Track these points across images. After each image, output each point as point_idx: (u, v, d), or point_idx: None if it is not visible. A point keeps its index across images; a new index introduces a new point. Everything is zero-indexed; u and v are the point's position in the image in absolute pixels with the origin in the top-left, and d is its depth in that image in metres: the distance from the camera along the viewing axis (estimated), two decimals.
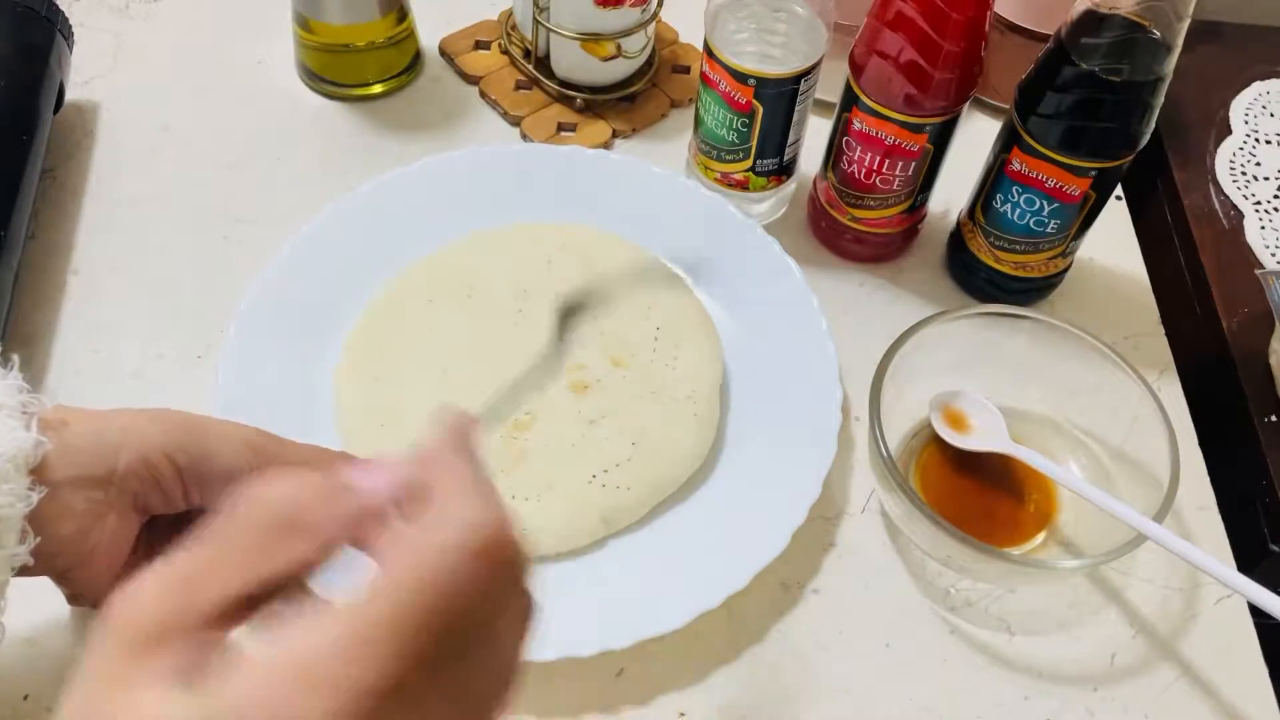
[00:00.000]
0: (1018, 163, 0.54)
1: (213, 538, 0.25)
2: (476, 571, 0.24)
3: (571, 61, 0.67)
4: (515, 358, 0.54)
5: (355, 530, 0.26)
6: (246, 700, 0.22)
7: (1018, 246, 0.58)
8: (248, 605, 0.25)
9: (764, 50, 0.56)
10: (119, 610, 0.24)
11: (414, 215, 0.60)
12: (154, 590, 0.24)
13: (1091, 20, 0.49)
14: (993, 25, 0.53)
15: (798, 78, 0.55)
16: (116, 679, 0.23)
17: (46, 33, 0.61)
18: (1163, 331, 0.62)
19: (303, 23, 0.66)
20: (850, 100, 0.56)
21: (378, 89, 0.68)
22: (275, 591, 0.25)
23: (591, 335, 0.55)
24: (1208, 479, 0.57)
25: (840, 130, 0.58)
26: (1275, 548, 0.57)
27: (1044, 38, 0.55)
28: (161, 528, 0.39)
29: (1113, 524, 0.49)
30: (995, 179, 0.57)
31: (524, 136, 0.68)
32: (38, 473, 0.35)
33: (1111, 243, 0.65)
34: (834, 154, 0.59)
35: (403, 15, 0.67)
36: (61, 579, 0.38)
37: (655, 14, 0.66)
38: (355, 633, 0.23)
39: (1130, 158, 0.53)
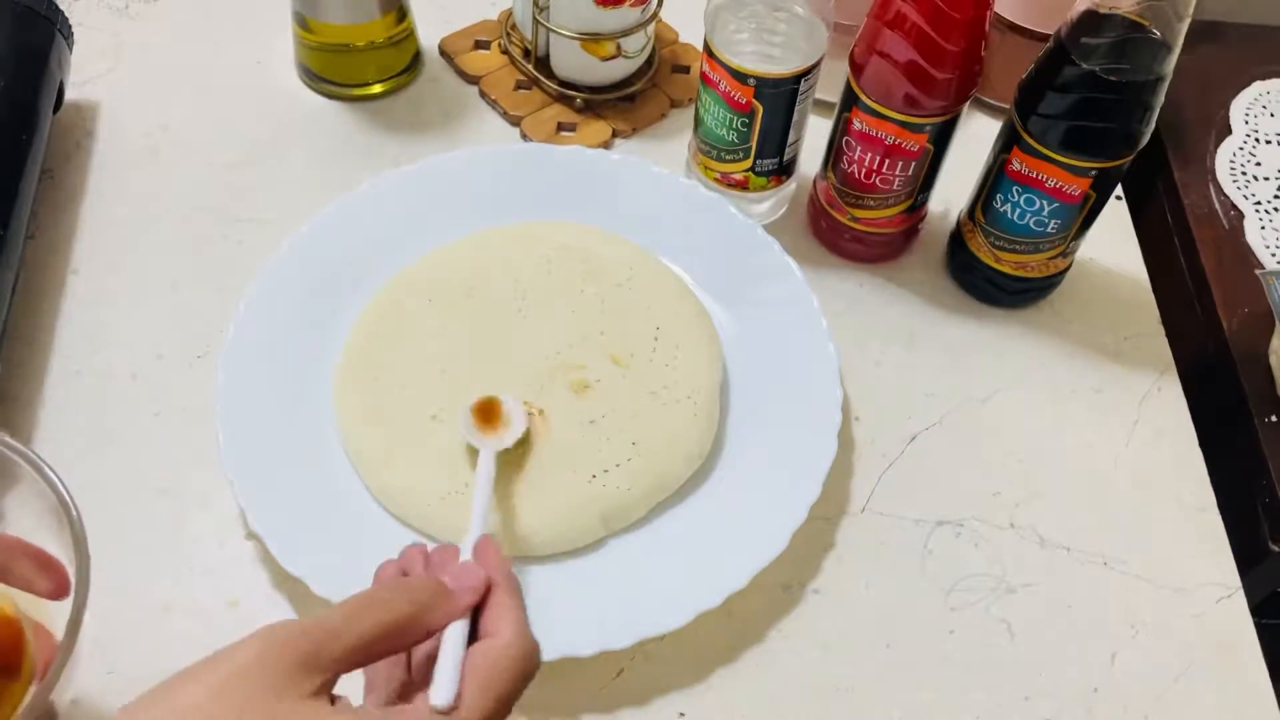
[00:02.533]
0: (1018, 163, 0.54)
1: (353, 610, 0.32)
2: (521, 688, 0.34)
3: (571, 61, 0.67)
4: (515, 357, 0.54)
5: (448, 622, 0.34)
6: None
7: (1018, 246, 0.58)
8: (357, 664, 0.31)
9: (764, 50, 0.56)
10: (268, 637, 0.30)
11: (414, 215, 0.60)
12: (299, 632, 0.30)
13: (1091, 20, 0.49)
14: (993, 25, 0.53)
15: (798, 78, 0.55)
16: (272, 689, 0.29)
17: (46, 33, 0.61)
18: (1163, 331, 0.62)
19: (302, 23, 0.66)
20: (850, 100, 0.56)
21: (377, 89, 0.68)
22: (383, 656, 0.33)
23: (592, 335, 0.55)
24: (1208, 479, 0.57)
25: (840, 130, 0.58)
26: (1275, 548, 0.57)
27: (1044, 38, 0.55)
28: None
29: None
30: (995, 179, 0.57)
31: (524, 136, 0.68)
32: None
33: (1111, 243, 0.65)
34: (834, 154, 0.59)
35: (402, 15, 0.67)
36: None
37: (655, 14, 0.66)
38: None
39: (1130, 158, 0.53)
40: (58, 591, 0.39)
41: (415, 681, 0.35)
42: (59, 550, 0.39)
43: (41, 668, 0.40)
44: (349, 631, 0.31)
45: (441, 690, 0.32)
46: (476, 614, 0.35)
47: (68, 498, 0.39)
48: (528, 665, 0.33)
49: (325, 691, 0.30)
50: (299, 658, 0.30)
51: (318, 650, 0.30)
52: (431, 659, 0.33)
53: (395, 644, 0.33)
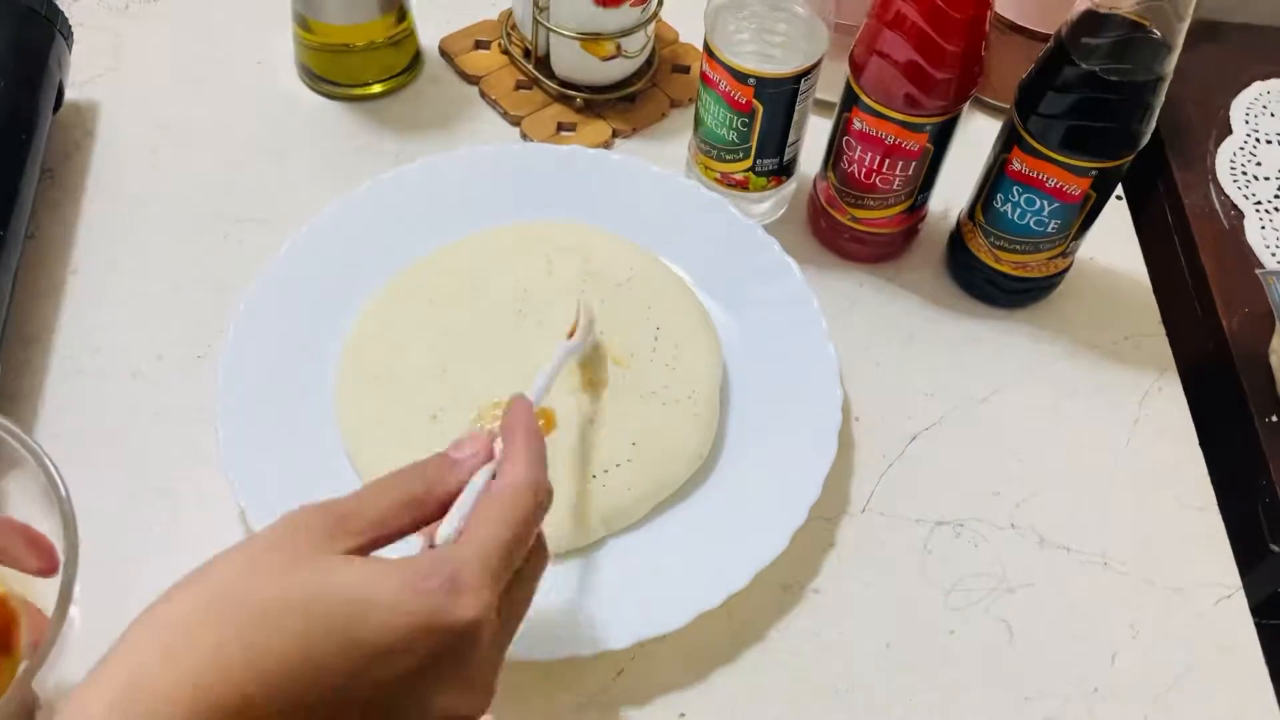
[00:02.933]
0: (1018, 162, 0.54)
1: (375, 486, 0.34)
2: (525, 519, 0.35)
3: (571, 61, 0.67)
4: (515, 357, 0.54)
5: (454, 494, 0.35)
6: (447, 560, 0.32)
7: (1018, 246, 0.58)
8: (381, 540, 0.33)
9: (764, 50, 0.56)
10: (294, 516, 0.33)
11: (414, 215, 0.60)
12: (322, 509, 0.33)
13: (1092, 20, 0.49)
14: (993, 25, 0.53)
15: (798, 77, 0.55)
16: (308, 551, 0.31)
17: (46, 32, 0.61)
18: (1163, 331, 0.62)
19: (302, 23, 0.66)
20: (850, 100, 0.56)
21: (377, 89, 0.68)
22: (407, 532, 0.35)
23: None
24: (1208, 479, 0.57)
25: (840, 130, 0.58)
26: (1275, 548, 0.57)
27: (1044, 37, 0.55)
28: None
29: None
30: (995, 179, 0.57)
31: (524, 136, 0.68)
32: None
33: (1112, 243, 0.65)
34: (834, 154, 0.59)
35: (402, 15, 0.67)
36: None
37: (655, 14, 0.66)
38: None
39: (1130, 157, 0.53)
40: (47, 569, 0.39)
41: None
42: (50, 530, 0.40)
43: (32, 646, 0.40)
44: (369, 506, 0.33)
45: (446, 525, 0.34)
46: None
47: (56, 476, 0.39)
48: (531, 499, 0.34)
49: (353, 555, 0.32)
50: (326, 528, 0.32)
51: (341, 521, 0.32)
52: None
53: (417, 515, 0.34)
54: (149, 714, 0.28)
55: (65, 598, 0.38)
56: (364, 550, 0.33)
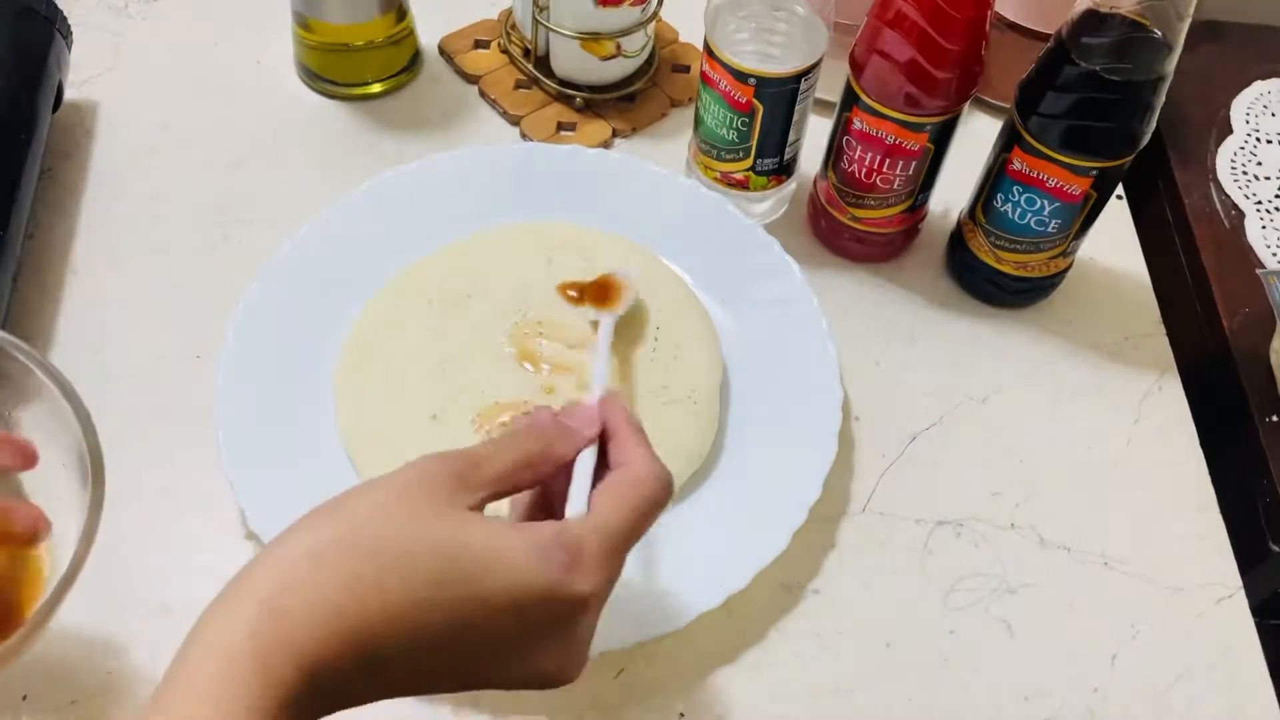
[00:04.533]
0: (1018, 162, 0.54)
1: (497, 443, 0.36)
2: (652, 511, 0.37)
3: (571, 61, 0.67)
4: (515, 357, 0.54)
5: (575, 451, 0.38)
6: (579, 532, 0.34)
7: (1018, 246, 0.58)
8: (500, 494, 0.35)
9: (764, 50, 0.56)
10: (422, 466, 0.34)
11: (414, 215, 0.60)
12: (456, 457, 0.35)
13: (1092, 20, 0.49)
14: (993, 25, 0.53)
15: (798, 77, 0.55)
16: (442, 497, 0.33)
17: (46, 32, 0.61)
18: (1163, 331, 0.62)
19: (302, 22, 0.65)
20: (850, 100, 0.56)
21: (377, 88, 0.68)
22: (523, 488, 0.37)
23: (591, 335, 0.55)
24: (1208, 479, 0.57)
25: (840, 130, 0.58)
26: (1275, 548, 0.57)
27: (1044, 37, 0.55)
28: None
29: None
30: (996, 179, 0.57)
31: (524, 136, 0.68)
32: None
33: (1112, 243, 0.65)
34: (834, 153, 0.59)
35: (402, 14, 0.67)
36: None
37: (655, 13, 0.66)
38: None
39: (1131, 157, 0.53)
40: (21, 463, 0.41)
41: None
42: (70, 446, 0.41)
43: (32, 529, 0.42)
44: (493, 460, 0.35)
45: (575, 502, 0.36)
46: (606, 454, 0.38)
47: (68, 387, 0.41)
48: (658, 489, 0.36)
49: (478, 510, 0.34)
50: (454, 478, 0.34)
51: (468, 473, 0.34)
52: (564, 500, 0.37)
53: (533, 475, 0.36)
54: (288, 641, 0.30)
55: (97, 506, 0.39)
56: (484, 503, 0.35)
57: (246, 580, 0.31)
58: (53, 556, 0.42)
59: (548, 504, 0.39)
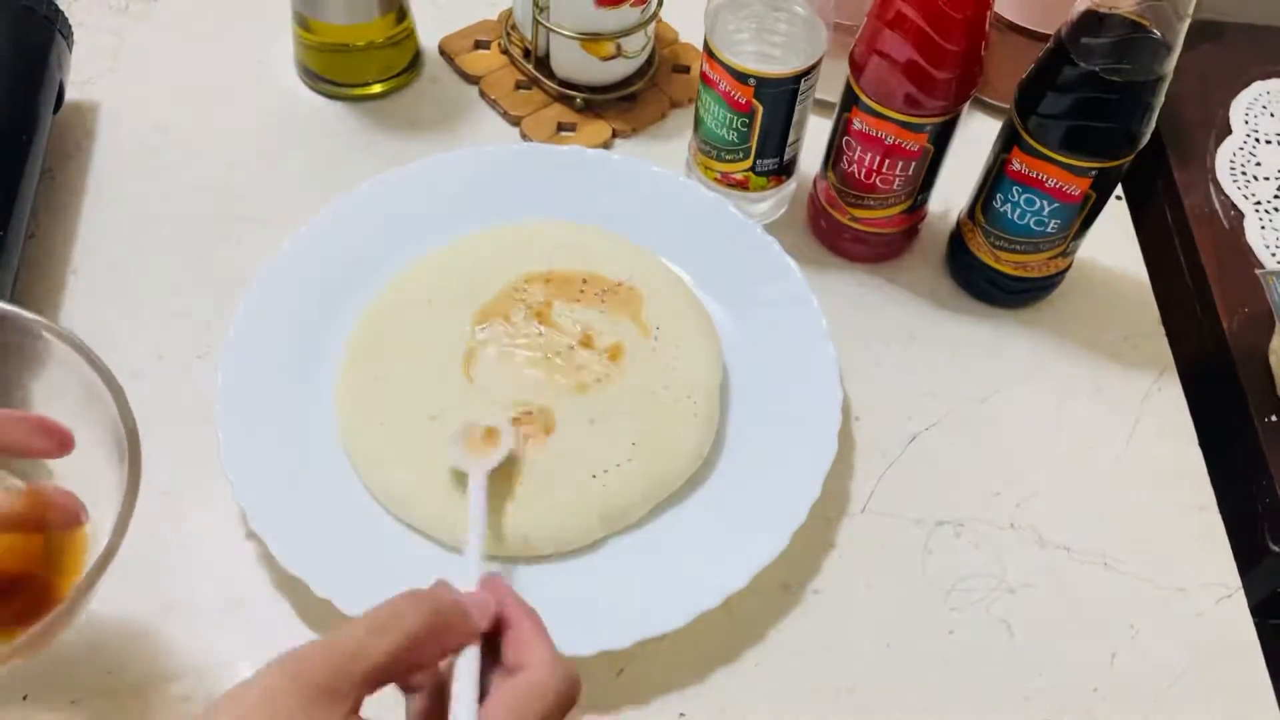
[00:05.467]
0: (1018, 163, 0.54)
1: (370, 627, 0.32)
2: None
3: (571, 61, 0.67)
4: (514, 358, 0.54)
5: (469, 642, 0.34)
6: None
7: (1018, 246, 0.58)
8: (379, 685, 0.31)
9: (764, 50, 0.56)
10: (293, 665, 0.30)
11: (414, 215, 0.60)
12: (323, 654, 0.30)
13: (1091, 20, 0.49)
14: (993, 25, 0.53)
15: (798, 77, 0.55)
16: (315, 712, 0.29)
17: (46, 32, 0.61)
18: (1163, 331, 0.62)
19: (302, 23, 0.66)
20: (850, 100, 0.56)
21: (377, 89, 0.68)
22: (404, 679, 0.33)
23: (591, 335, 0.55)
24: (1208, 479, 0.57)
25: (840, 130, 0.58)
26: (1275, 548, 0.57)
27: (1044, 38, 0.55)
28: None
29: None
30: (995, 179, 0.57)
31: (524, 136, 0.68)
32: None
33: (1111, 243, 0.65)
34: (834, 154, 0.59)
35: (402, 15, 0.67)
36: None
37: (655, 14, 0.66)
38: None
39: (1130, 157, 0.53)
40: (58, 449, 0.40)
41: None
42: (100, 421, 0.41)
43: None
44: (372, 649, 0.31)
45: (461, 715, 0.32)
46: (497, 649, 0.35)
47: (103, 367, 0.41)
48: (566, 694, 0.33)
49: (354, 715, 0.30)
50: (323, 684, 0.30)
51: (341, 674, 0.30)
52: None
53: (416, 659, 0.32)
54: None
55: (133, 485, 0.39)
56: (361, 700, 0.31)
57: None
58: (94, 541, 0.42)
59: (443, 697, 0.34)
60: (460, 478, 0.49)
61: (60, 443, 0.40)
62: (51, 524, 0.41)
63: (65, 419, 0.40)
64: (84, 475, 0.41)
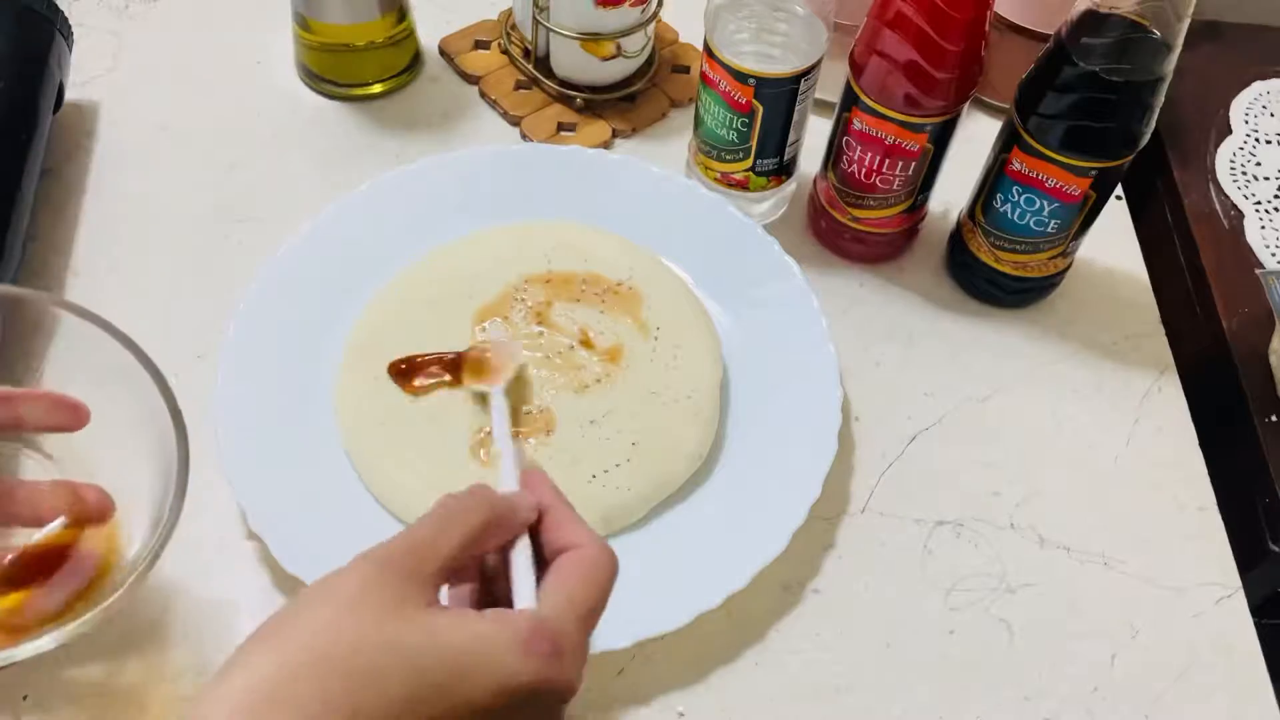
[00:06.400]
0: (1018, 163, 0.54)
1: (439, 524, 0.34)
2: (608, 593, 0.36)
3: (571, 61, 0.67)
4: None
5: (519, 533, 0.36)
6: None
7: (1018, 246, 0.58)
8: (451, 576, 0.34)
9: (764, 50, 0.56)
10: (382, 555, 0.32)
11: (414, 215, 0.60)
12: (406, 548, 0.33)
13: (1091, 20, 0.49)
14: (993, 25, 0.53)
15: (798, 77, 0.55)
16: (393, 605, 0.31)
17: (46, 32, 0.61)
18: (1163, 331, 0.62)
19: (302, 23, 0.66)
20: (850, 100, 0.56)
21: (377, 89, 0.68)
22: (467, 568, 0.36)
23: (591, 335, 0.55)
24: (1208, 479, 0.57)
25: (840, 130, 0.58)
26: (1275, 548, 0.57)
27: (1044, 38, 0.55)
28: None
29: None
30: (995, 179, 0.57)
31: (524, 136, 0.68)
32: None
33: (1111, 243, 0.65)
34: (834, 154, 0.59)
35: (402, 15, 0.67)
36: None
37: (655, 14, 0.66)
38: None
39: (1130, 158, 0.53)
40: (74, 422, 0.42)
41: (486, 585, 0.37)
42: (132, 398, 0.42)
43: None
44: (442, 544, 0.33)
45: (522, 595, 0.34)
46: (537, 533, 0.37)
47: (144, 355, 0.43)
48: (613, 568, 0.35)
49: (435, 603, 0.32)
50: (406, 576, 0.32)
51: (419, 568, 0.32)
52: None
53: (479, 550, 0.35)
54: None
55: (184, 460, 0.40)
56: (438, 590, 0.33)
57: (210, 710, 0.28)
58: (125, 530, 0.43)
59: (488, 587, 0.37)
60: (481, 398, 0.51)
61: (77, 416, 0.42)
62: (87, 517, 0.42)
63: (92, 399, 0.42)
64: (115, 457, 0.43)
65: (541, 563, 0.36)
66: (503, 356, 0.52)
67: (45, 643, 0.38)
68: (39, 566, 0.42)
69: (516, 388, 0.53)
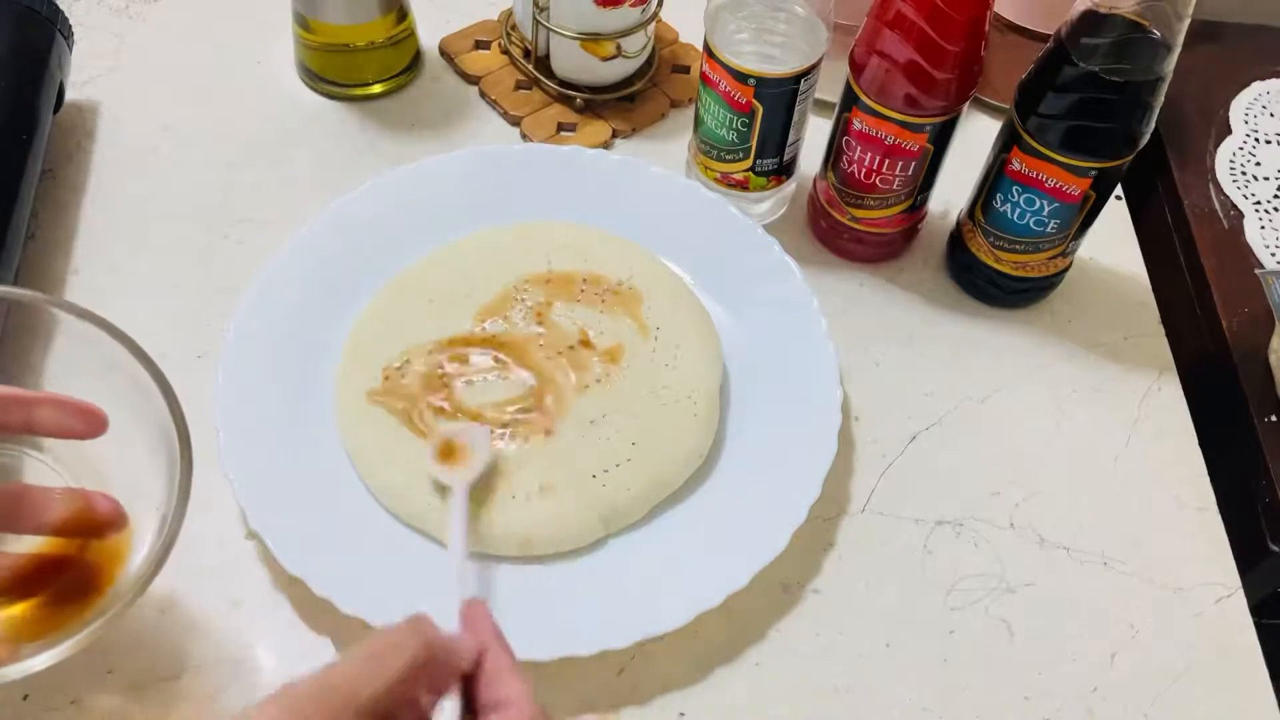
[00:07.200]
0: (1018, 162, 0.54)
1: (362, 666, 0.31)
2: None
3: (571, 61, 0.67)
4: (513, 358, 0.54)
5: (454, 680, 0.34)
6: None
7: (1018, 246, 0.58)
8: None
9: (764, 50, 0.56)
10: (289, 702, 0.29)
11: (414, 215, 0.60)
12: (321, 690, 0.30)
13: (1091, 20, 0.49)
14: (993, 25, 0.53)
15: (798, 78, 0.55)
16: None
17: (46, 33, 0.61)
18: (1163, 331, 0.62)
19: (302, 23, 0.66)
20: (850, 100, 0.56)
21: (378, 89, 0.68)
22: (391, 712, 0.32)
23: (591, 335, 0.55)
24: (1208, 479, 0.57)
25: (840, 130, 0.58)
26: (1275, 548, 0.57)
27: (1044, 38, 0.55)
28: None
29: None
30: (995, 179, 0.57)
31: (524, 136, 0.68)
32: None
33: (1111, 243, 0.65)
34: (834, 154, 0.59)
35: (403, 15, 0.67)
36: None
37: (655, 14, 0.66)
38: None
39: (1130, 158, 0.53)
40: (92, 430, 0.40)
41: None
42: (143, 411, 0.41)
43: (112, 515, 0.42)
44: (362, 689, 0.30)
45: None
46: (470, 685, 0.34)
47: (144, 353, 0.42)
48: None
49: None
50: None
51: (339, 711, 0.30)
52: None
53: (409, 693, 0.32)
54: None
55: (188, 463, 0.40)
56: None
57: None
58: (135, 539, 0.42)
59: None
60: (443, 489, 0.49)
61: (95, 424, 0.40)
62: (98, 527, 0.42)
63: (103, 407, 0.41)
64: (126, 466, 0.43)
65: (472, 711, 0.34)
66: (476, 446, 0.50)
67: (37, 663, 0.37)
68: (41, 577, 0.41)
69: (478, 491, 0.50)
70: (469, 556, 0.43)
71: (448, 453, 0.50)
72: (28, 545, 0.42)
